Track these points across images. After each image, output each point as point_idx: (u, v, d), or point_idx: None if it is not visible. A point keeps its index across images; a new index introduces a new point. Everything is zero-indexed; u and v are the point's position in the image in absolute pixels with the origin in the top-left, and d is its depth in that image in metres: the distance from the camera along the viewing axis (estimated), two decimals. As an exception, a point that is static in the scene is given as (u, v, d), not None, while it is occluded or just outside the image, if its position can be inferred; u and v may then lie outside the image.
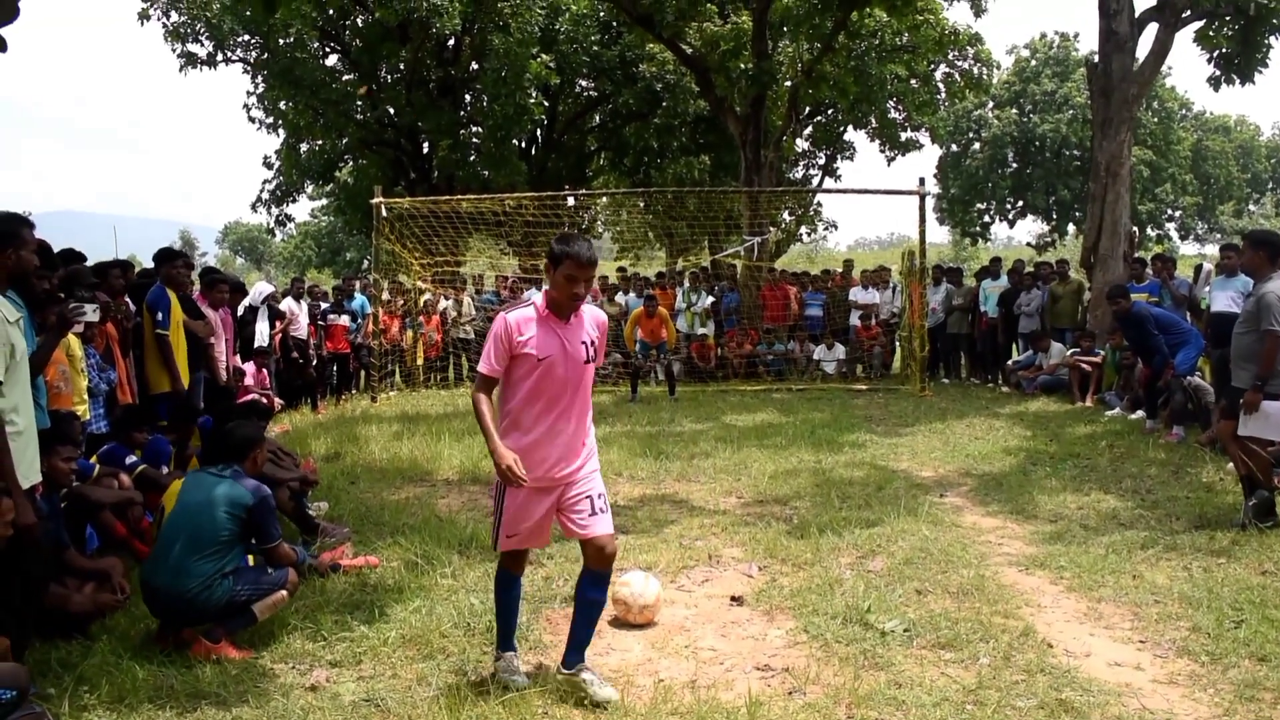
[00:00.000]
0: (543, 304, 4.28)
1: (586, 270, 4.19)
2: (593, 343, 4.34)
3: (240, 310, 12.09)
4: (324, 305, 15.32)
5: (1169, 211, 53.99)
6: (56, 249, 7.08)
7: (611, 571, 4.38)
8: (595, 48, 25.87)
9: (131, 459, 6.70)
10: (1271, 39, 15.98)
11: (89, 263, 7.81)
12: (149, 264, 9.47)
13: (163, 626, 4.83)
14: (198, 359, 9.11)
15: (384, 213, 16.02)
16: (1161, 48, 14.97)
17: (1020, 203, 51.30)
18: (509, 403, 4.30)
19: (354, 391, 16.14)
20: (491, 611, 5.16)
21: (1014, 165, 50.67)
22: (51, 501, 5.24)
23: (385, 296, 16.25)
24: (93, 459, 6.49)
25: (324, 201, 34.82)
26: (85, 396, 6.70)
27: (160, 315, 8.18)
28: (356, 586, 5.72)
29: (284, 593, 4.99)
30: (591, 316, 4.40)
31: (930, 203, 22.13)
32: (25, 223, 4.76)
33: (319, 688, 4.37)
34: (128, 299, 8.37)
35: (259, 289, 13.89)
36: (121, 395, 7.65)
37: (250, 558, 5.07)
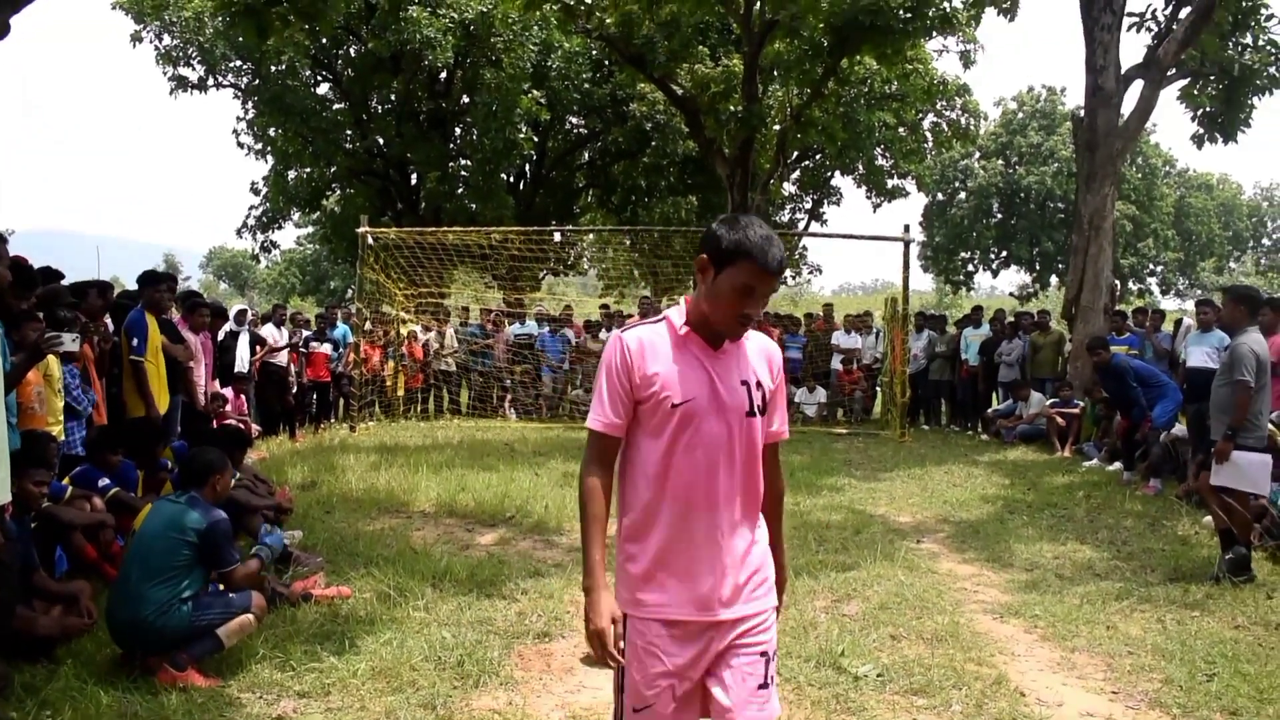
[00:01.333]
0: (681, 319, 2.74)
1: (771, 281, 2.64)
2: (759, 385, 2.74)
3: (220, 335, 12.04)
4: (305, 333, 15.28)
5: (1151, 266, 54.49)
6: (38, 268, 7.03)
7: None
8: (586, 85, 26.08)
9: (104, 482, 6.63)
10: (1254, 99, 16.31)
11: (69, 282, 7.77)
12: (131, 285, 9.41)
13: (128, 653, 4.76)
14: (176, 383, 9.04)
15: (370, 242, 16.03)
16: (1146, 105, 15.19)
17: (1004, 253, 51.67)
18: (631, 481, 2.76)
19: (333, 420, 16.07)
20: (463, 647, 5.13)
21: (999, 216, 51.10)
22: (22, 523, 5.18)
23: (368, 326, 16.21)
24: (65, 480, 6.43)
25: (310, 229, 34.87)
26: (60, 417, 6.65)
27: (136, 341, 8.07)
28: (327, 617, 5.65)
29: (250, 617, 4.92)
30: (759, 347, 2.83)
31: (915, 250, 22.33)
32: None
33: (286, 718, 4.31)
34: (107, 320, 8.32)
35: (234, 308, 13.87)
36: (97, 417, 7.59)
37: (221, 585, 5.01)
